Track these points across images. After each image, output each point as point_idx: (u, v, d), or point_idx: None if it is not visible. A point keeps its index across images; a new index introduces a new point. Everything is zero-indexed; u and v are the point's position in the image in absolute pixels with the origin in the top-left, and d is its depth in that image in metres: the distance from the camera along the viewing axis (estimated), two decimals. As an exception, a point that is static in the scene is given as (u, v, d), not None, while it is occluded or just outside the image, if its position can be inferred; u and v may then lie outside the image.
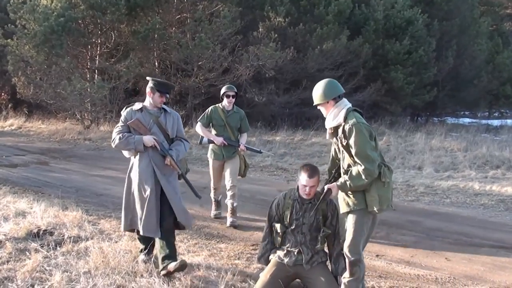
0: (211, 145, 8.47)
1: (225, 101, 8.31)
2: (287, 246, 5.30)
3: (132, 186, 5.83)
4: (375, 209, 4.70)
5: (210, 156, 8.53)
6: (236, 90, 8.43)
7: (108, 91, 19.57)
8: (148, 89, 5.94)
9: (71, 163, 14.07)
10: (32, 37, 19.02)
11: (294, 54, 19.82)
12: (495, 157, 14.97)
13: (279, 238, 5.34)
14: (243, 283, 5.60)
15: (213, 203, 8.79)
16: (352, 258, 4.85)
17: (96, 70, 21.44)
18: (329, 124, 4.95)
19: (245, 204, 9.24)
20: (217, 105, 8.41)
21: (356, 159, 4.71)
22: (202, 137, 8.42)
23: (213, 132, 8.38)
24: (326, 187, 5.02)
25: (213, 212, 8.75)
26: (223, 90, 8.33)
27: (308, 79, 20.73)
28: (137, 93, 22.32)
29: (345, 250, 4.88)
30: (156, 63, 21.64)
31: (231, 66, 19.84)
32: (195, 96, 21.36)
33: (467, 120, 30.92)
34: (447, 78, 25.33)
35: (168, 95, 6.05)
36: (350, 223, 4.85)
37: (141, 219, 5.67)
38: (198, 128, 8.44)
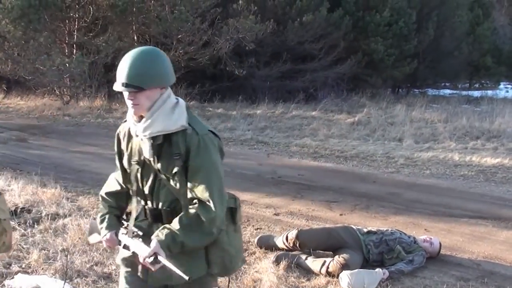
0: None
1: None
2: None
3: None
4: None
5: None
6: None
7: (87, 66, 19.34)
8: None
9: (50, 139, 13.92)
10: (9, 12, 18.59)
11: (274, 26, 19.63)
12: (475, 128, 15.04)
13: None
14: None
15: None
16: None
17: (74, 45, 21.14)
18: None
19: (225, 179, 9.16)
20: None
21: None
22: None
23: None
24: None
25: None
26: None
27: (289, 52, 20.65)
28: (116, 68, 22.09)
29: None
30: (135, 37, 21.39)
31: (211, 39, 19.64)
32: (175, 70, 20.90)
33: (447, 91, 31.01)
34: (428, 49, 25.31)
35: None
36: None
37: None
38: None
